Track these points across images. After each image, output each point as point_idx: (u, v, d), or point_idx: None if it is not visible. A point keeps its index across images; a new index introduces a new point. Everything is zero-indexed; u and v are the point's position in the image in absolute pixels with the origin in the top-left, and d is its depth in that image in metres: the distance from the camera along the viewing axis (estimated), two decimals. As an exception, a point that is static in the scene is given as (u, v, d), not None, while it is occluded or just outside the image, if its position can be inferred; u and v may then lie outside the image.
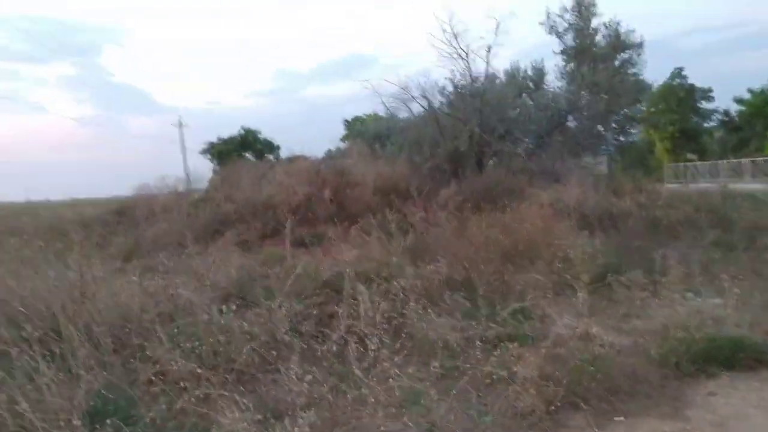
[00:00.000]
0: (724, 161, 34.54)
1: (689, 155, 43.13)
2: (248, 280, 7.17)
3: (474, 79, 13.64)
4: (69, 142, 79.42)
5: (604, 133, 21.91)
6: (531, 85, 18.34)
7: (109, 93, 70.30)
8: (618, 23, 17.83)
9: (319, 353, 4.39)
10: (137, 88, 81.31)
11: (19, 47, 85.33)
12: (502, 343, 4.73)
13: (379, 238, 9.24)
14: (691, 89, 44.36)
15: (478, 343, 4.66)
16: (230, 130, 41.23)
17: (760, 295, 6.07)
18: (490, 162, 13.06)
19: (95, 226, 14.41)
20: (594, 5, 17.04)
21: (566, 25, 16.77)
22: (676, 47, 65.48)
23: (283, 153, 33.20)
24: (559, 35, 16.78)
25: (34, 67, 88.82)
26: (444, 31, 13.46)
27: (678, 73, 45.89)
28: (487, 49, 13.43)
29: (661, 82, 40.93)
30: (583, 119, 18.20)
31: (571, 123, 19.28)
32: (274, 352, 4.39)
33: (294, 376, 3.69)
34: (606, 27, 17.21)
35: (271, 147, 41.54)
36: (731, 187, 16.37)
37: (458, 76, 13.85)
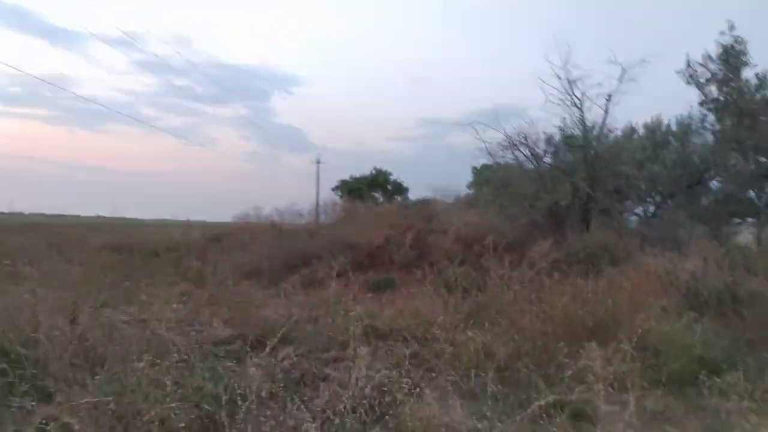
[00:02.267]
0: None
1: None
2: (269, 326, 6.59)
3: (588, 129, 12.21)
4: (230, 173, 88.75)
5: (756, 199, 18.82)
6: (667, 140, 16.12)
7: (272, 132, 77.66)
8: None
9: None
10: (296, 128, 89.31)
11: (202, 90, 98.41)
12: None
13: (438, 293, 8.28)
14: None
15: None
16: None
17: None
18: (596, 222, 11.42)
19: (186, 249, 15.02)
20: (745, 54, 14.63)
21: (709, 75, 14.59)
22: None
23: (413, 195, 33.33)
24: (699, 86, 14.62)
25: (212, 107, 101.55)
26: (558, 76, 12.30)
27: None
28: (607, 98, 12.02)
29: None
30: (727, 182, 15.66)
31: (714, 185, 16.78)
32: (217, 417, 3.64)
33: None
34: (759, 78, 14.69)
35: (400, 188, 42.00)
36: None
37: (569, 125, 12.52)
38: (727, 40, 15.67)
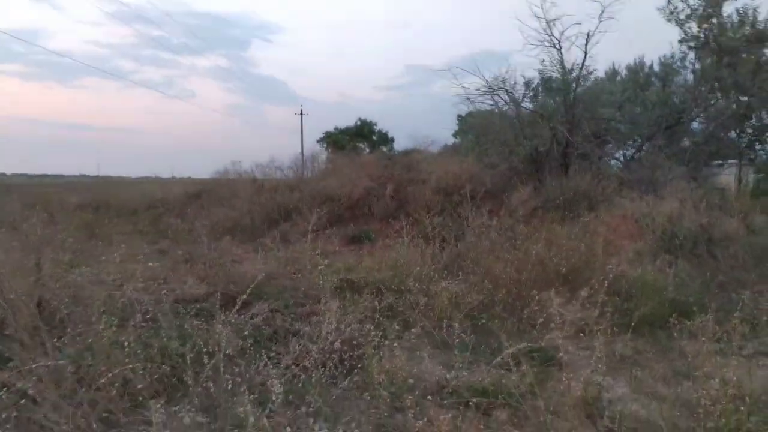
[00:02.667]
0: None
1: None
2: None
3: (567, 72, 11.93)
4: (212, 127, 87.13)
5: (737, 140, 18.80)
6: (649, 81, 15.81)
7: (253, 83, 75.57)
8: (756, 9, 14.77)
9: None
10: (278, 80, 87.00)
11: (179, 40, 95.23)
12: (472, 401, 3.63)
13: (416, 244, 8.26)
14: None
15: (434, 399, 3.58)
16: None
17: None
18: (576, 167, 11.33)
19: (166, 206, 14.84)
20: None
21: (689, 11, 14.13)
22: None
23: (399, 146, 32.92)
24: (680, 23, 14.20)
25: (190, 58, 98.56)
26: (536, 16, 11.88)
27: None
28: (585, 38, 11.69)
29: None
30: (708, 122, 15.58)
31: (695, 126, 16.65)
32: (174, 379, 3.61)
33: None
34: (739, 14, 14.27)
35: (385, 139, 41.53)
36: None
37: (548, 68, 12.22)
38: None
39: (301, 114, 42.58)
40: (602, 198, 10.01)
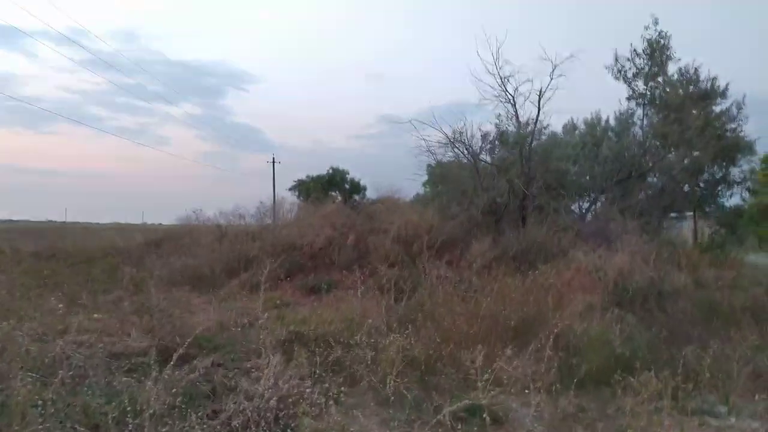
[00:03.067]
0: None
1: None
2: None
3: (522, 126, 12.36)
4: (186, 174, 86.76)
5: (690, 194, 19.54)
6: (587, 134, 16.53)
7: (228, 131, 76.08)
8: (697, 69, 15.73)
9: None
10: (252, 127, 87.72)
11: (155, 88, 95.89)
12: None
13: (373, 295, 8.23)
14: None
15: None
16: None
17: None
18: (533, 219, 11.58)
19: (126, 254, 14.51)
20: (668, 48, 15.02)
21: (636, 69, 14.96)
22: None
23: (372, 194, 33.20)
24: (627, 81, 15.05)
25: (165, 106, 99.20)
26: (491, 72, 12.38)
27: None
28: (538, 93, 12.19)
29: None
30: (661, 177, 16.21)
31: (651, 181, 17.25)
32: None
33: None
34: (681, 73, 15.17)
35: (358, 187, 41.80)
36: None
37: (504, 122, 12.64)
38: (651, 34, 16.09)
39: (273, 162, 42.80)
40: (557, 251, 10.18)
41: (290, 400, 4.13)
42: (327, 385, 4.76)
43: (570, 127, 21.24)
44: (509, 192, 12.00)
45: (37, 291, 8.96)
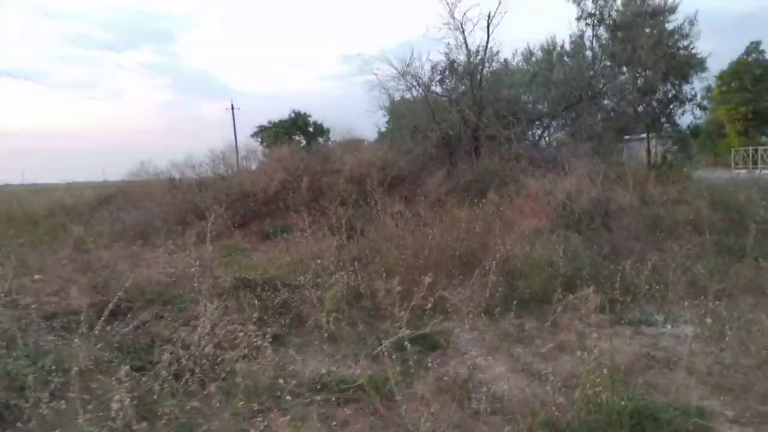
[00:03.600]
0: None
1: (763, 139, 39.45)
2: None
3: (472, 54, 12.09)
4: (143, 126, 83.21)
5: (643, 115, 19.68)
6: (543, 60, 16.35)
7: (183, 79, 72.80)
8: None
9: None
10: (209, 74, 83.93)
11: (102, 36, 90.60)
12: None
13: (322, 236, 8.17)
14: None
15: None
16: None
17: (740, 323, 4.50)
18: (486, 149, 11.52)
19: (72, 213, 14.06)
20: None
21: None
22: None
23: (336, 136, 32.78)
24: (576, 0, 14.79)
25: (115, 55, 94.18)
26: (439, -1, 11.91)
27: (755, 47, 41.85)
28: (487, 18, 11.83)
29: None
30: (614, 98, 16.24)
31: (606, 104, 17.27)
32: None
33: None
34: None
35: (321, 130, 41.03)
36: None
37: (454, 51, 12.31)
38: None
39: (232, 108, 41.49)
40: (509, 179, 10.21)
41: (226, 345, 4.07)
42: (270, 328, 4.77)
43: (527, 54, 20.99)
44: (461, 123, 11.86)
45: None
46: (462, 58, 12.27)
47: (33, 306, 5.07)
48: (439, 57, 12.80)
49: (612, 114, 15.68)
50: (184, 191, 13.56)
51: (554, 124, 13.33)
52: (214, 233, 10.75)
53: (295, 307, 5.55)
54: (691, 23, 20.30)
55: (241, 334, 3.94)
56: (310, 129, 41.96)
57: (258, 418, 2.95)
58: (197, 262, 7.72)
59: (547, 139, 12.86)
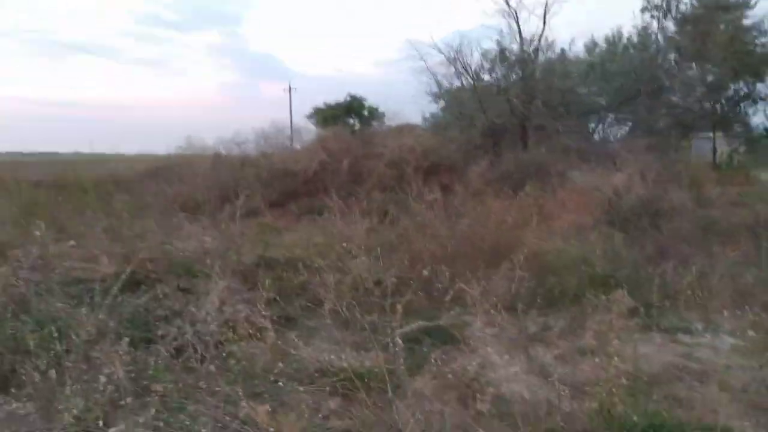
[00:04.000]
0: None
1: None
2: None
3: (526, 42, 11.59)
4: (209, 104, 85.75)
5: (710, 111, 18.50)
6: (605, 51, 15.49)
7: (247, 60, 74.50)
8: None
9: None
10: (272, 56, 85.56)
11: (171, 17, 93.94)
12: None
13: (354, 220, 8.03)
14: None
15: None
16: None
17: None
18: (534, 140, 11.06)
19: (125, 183, 14.49)
20: None
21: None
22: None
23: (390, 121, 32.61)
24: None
25: (184, 35, 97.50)
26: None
27: None
28: (544, 7, 11.30)
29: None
30: (680, 94, 15.30)
31: (674, 98, 16.28)
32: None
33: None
34: None
35: (375, 115, 41.03)
36: None
37: (507, 39, 11.82)
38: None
39: (290, 90, 42.01)
40: (555, 171, 9.76)
41: (232, 324, 4.00)
42: (281, 309, 4.69)
43: (590, 45, 20.09)
44: (509, 112, 11.43)
45: (28, 219, 8.99)
46: (515, 46, 11.82)
47: (57, 271, 5.16)
48: (491, 45, 12.38)
49: (678, 110, 14.77)
50: (227, 167, 13.74)
51: (611, 117, 12.63)
52: (245, 211, 10.95)
53: (313, 290, 5.43)
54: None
55: (244, 314, 3.84)
56: (365, 113, 41.89)
57: (242, 404, 2.83)
58: (225, 238, 7.83)
59: (602, 132, 12.23)
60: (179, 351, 3.76)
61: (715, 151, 19.55)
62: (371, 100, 40.68)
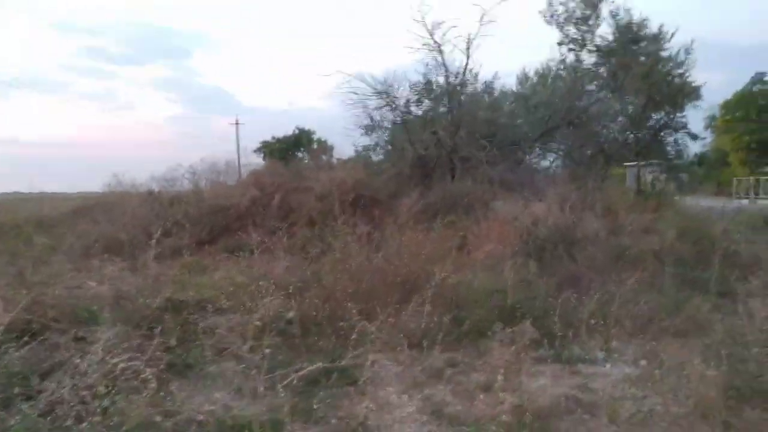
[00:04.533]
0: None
1: (767, 169, 39.54)
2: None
3: (451, 75, 11.94)
4: (157, 139, 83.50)
5: (633, 140, 19.45)
6: (528, 84, 16.22)
7: (197, 94, 73.43)
8: (629, 11, 15.33)
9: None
10: (222, 89, 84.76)
11: (118, 50, 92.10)
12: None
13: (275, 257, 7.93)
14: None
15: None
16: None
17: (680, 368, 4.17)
18: (461, 171, 11.29)
19: (48, 223, 13.88)
20: None
21: (567, 14, 14.55)
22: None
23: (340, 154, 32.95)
24: (559, 25, 14.65)
25: (130, 69, 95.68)
26: (417, 20, 11.80)
27: (759, 78, 42.18)
28: (467, 41, 11.70)
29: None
30: (599, 125, 16.02)
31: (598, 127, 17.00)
32: None
33: None
34: (612, 15, 14.82)
35: (325, 148, 41.19)
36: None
37: (433, 71, 12.17)
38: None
39: (237, 124, 42.01)
40: (479, 203, 9.96)
41: (113, 376, 3.80)
42: (173, 357, 4.52)
43: (523, 78, 20.88)
44: (436, 145, 11.66)
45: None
46: (441, 79, 12.13)
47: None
48: (418, 77, 12.68)
49: (601, 140, 15.45)
50: (156, 204, 13.35)
51: (537, 148, 13.09)
52: (171, 250, 10.62)
53: (218, 333, 5.27)
54: (687, 52, 20.14)
55: (123, 365, 3.65)
56: (315, 146, 42.17)
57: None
58: (141, 280, 7.54)
59: (528, 163, 12.61)
60: (53, 408, 3.54)
61: (639, 179, 20.51)
62: (320, 133, 40.93)
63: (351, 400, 3.93)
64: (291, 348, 5.12)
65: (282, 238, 8.98)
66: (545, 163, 14.26)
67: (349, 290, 5.78)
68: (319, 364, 4.42)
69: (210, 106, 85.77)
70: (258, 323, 5.16)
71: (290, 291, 5.83)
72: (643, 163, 20.66)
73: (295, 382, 4.00)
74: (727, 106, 43.03)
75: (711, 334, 4.70)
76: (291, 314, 5.42)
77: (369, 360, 4.66)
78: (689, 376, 3.91)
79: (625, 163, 22.44)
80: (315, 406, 3.56)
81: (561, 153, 13.02)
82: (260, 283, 6.18)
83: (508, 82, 17.29)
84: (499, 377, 3.54)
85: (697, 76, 21.05)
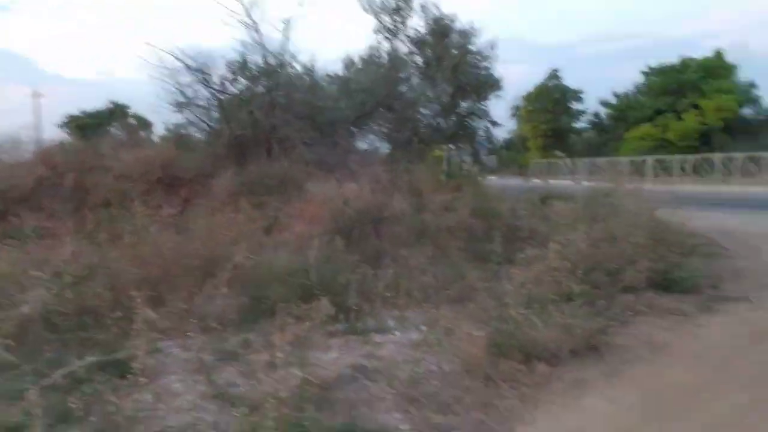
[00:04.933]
0: (587, 160, 37.12)
1: (557, 153, 45.66)
2: None
3: (269, 56, 11.68)
4: None
5: (444, 126, 20.97)
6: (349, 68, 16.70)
7: None
8: (438, 6, 16.74)
9: None
10: (17, 55, 71.65)
11: None
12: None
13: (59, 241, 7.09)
14: (565, 90, 47.07)
15: None
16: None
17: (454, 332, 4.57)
18: (278, 152, 11.16)
19: None
20: None
21: (382, 3, 15.33)
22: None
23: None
24: (375, 14, 15.36)
25: None
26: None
27: (554, 74, 48.19)
28: (284, 21, 11.54)
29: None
30: (411, 110, 16.97)
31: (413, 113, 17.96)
32: None
33: None
34: (423, 9, 15.98)
35: (144, 124, 37.41)
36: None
37: (249, 50, 11.82)
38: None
39: (36, 96, 36.63)
40: (294, 183, 9.94)
41: None
42: None
43: (349, 62, 21.20)
44: (253, 125, 11.36)
45: None
46: (258, 58, 11.81)
47: None
48: (235, 56, 12.20)
49: (417, 124, 16.36)
50: None
51: (355, 130, 13.44)
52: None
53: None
54: (492, 46, 22.18)
55: None
56: (133, 121, 38.41)
57: None
58: None
59: (345, 145, 12.86)
60: None
61: (449, 162, 22.26)
62: (139, 108, 37.31)
63: (124, 394, 3.64)
64: (64, 344, 4.61)
65: (69, 222, 8.05)
66: (363, 146, 14.68)
67: (137, 276, 5.37)
68: (92, 358, 4.06)
69: (2, 74, 73.09)
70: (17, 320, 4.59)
71: (67, 280, 5.24)
72: (453, 147, 22.45)
73: (60, 380, 3.63)
74: (529, 98, 48.90)
75: (482, 299, 5.23)
76: (67, 307, 4.86)
77: (147, 348, 4.40)
78: (460, 337, 4.30)
79: (443, 147, 24.17)
80: (72, 405, 3.22)
81: (383, 136, 13.56)
82: (32, 273, 5.49)
83: (335, 66, 17.35)
84: (280, 354, 3.53)
85: (501, 69, 23.23)
